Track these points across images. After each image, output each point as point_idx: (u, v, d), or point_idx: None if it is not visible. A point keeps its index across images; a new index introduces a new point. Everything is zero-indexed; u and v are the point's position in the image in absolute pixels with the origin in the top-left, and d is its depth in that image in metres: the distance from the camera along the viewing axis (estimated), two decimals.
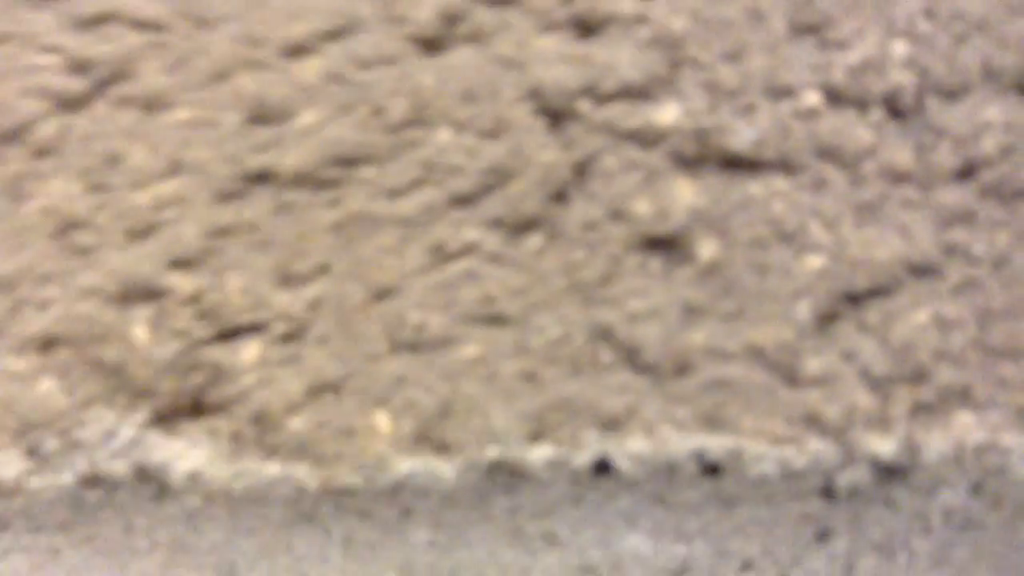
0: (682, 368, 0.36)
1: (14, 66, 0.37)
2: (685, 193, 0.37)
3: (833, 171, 0.37)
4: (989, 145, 0.37)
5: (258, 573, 0.36)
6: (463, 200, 0.37)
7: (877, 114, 0.38)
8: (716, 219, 0.37)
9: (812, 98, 0.38)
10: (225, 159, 0.37)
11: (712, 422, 0.35)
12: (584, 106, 0.37)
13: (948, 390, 0.34)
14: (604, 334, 0.36)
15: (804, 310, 0.36)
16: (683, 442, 0.35)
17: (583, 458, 0.35)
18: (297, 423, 0.36)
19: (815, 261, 0.37)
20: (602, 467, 0.35)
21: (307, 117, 0.37)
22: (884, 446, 0.35)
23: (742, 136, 0.37)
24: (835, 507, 0.35)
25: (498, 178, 0.37)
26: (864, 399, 0.35)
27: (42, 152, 0.37)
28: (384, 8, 0.38)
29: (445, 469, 0.35)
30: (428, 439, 0.35)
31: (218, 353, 0.36)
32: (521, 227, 0.37)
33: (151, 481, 0.35)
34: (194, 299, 0.36)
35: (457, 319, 0.36)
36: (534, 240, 0.37)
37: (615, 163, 0.37)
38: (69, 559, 0.36)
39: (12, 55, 0.37)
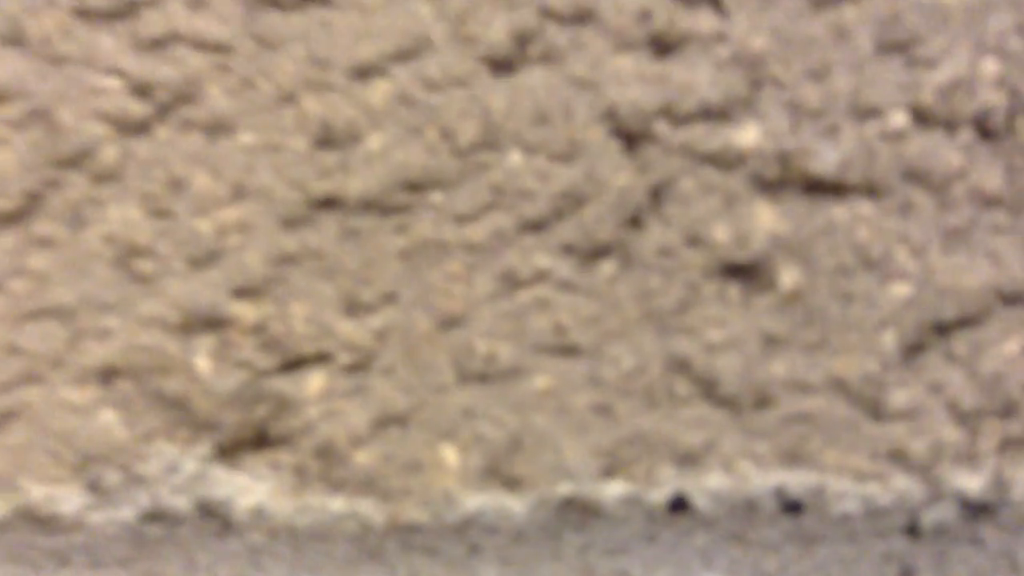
0: (762, 401, 0.40)
1: (75, 89, 0.42)
2: (766, 218, 0.41)
3: (921, 195, 0.42)
4: None
5: None
6: (534, 225, 0.41)
7: (966, 135, 0.42)
8: (798, 245, 0.41)
9: (899, 119, 0.42)
10: (290, 184, 0.42)
11: (793, 457, 0.40)
12: (661, 128, 0.42)
13: None
14: (681, 365, 0.40)
15: (890, 340, 0.41)
16: (763, 478, 0.39)
17: (659, 495, 0.39)
18: (363, 457, 0.40)
19: (901, 289, 0.41)
20: (678, 504, 0.40)
21: (374, 141, 0.42)
22: (972, 482, 0.39)
23: (826, 158, 0.42)
24: (920, 545, 0.39)
25: (571, 203, 0.42)
26: (951, 433, 0.39)
27: (103, 177, 0.42)
28: (454, 28, 0.43)
29: (515, 505, 0.39)
30: (497, 474, 0.40)
31: (282, 384, 0.41)
32: (594, 253, 0.41)
33: (214, 516, 0.40)
34: (258, 329, 0.41)
35: (527, 349, 0.41)
36: (608, 267, 0.41)
37: (693, 187, 0.42)
38: None
39: (73, 77, 0.42)
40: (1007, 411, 0.37)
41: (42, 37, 0.40)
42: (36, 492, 0.38)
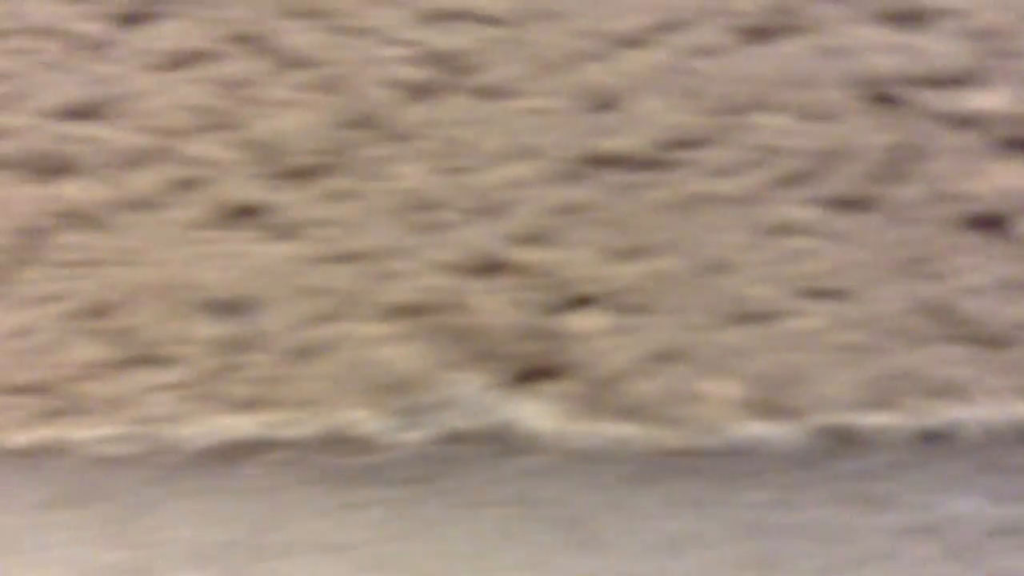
0: (1012, 339, 0.51)
1: (368, 57, 0.54)
2: (1008, 174, 0.52)
3: None
4: None
5: (596, 525, 0.52)
6: (793, 180, 0.53)
7: None
8: None
9: None
10: (565, 144, 0.53)
11: None
12: (909, 92, 0.53)
13: None
14: (936, 307, 0.51)
15: None
16: (1015, 409, 0.50)
17: (918, 424, 0.50)
18: (638, 387, 0.51)
19: None
20: (936, 433, 0.50)
21: (642, 104, 0.54)
22: None
23: None
24: None
25: (826, 159, 0.53)
26: None
27: (393, 137, 0.54)
28: (714, 2, 0.55)
29: (781, 433, 0.50)
30: (765, 405, 0.51)
31: (564, 322, 0.52)
32: (850, 205, 0.52)
33: (500, 439, 0.51)
34: (540, 272, 0.52)
35: (790, 292, 0.52)
36: (863, 218, 0.52)
37: (940, 145, 0.52)
38: (423, 510, 0.52)
39: (366, 48, 0.55)
40: None
41: (335, 10, 0.52)
42: (342, 416, 0.49)
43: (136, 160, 0.53)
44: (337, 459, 0.49)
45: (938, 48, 0.50)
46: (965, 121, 0.49)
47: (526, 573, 0.47)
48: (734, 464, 0.48)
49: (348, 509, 0.49)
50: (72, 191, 0.53)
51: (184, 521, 0.50)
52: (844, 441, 0.47)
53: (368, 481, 0.49)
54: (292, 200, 0.51)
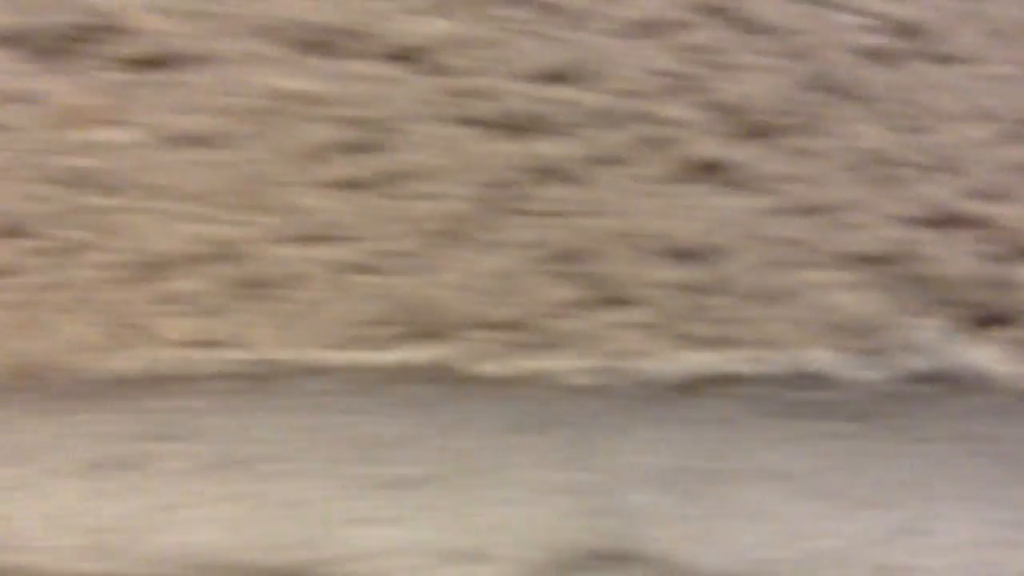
0: None
1: (831, 25, 0.64)
2: None
3: None
4: None
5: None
6: None
7: None
8: None
9: None
10: (1021, 107, 0.63)
11: None
12: None
13: None
14: None
15: None
16: None
17: None
18: None
19: None
20: None
21: None
22: None
23: None
24: None
25: None
26: None
27: (854, 99, 0.64)
28: None
29: None
30: None
31: (1018, 272, 0.61)
32: None
33: (952, 380, 0.60)
34: (994, 225, 0.60)
35: None
36: None
37: None
38: (870, 444, 0.61)
39: (829, 17, 0.65)
40: None
41: None
42: (800, 355, 0.59)
43: (607, 120, 0.60)
44: (791, 394, 0.58)
45: None
46: None
47: (964, 503, 0.55)
48: None
49: (798, 441, 0.57)
50: (547, 148, 0.61)
51: (642, 447, 0.58)
52: None
53: (819, 416, 0.58)
54: (754, 157, 0.59)
